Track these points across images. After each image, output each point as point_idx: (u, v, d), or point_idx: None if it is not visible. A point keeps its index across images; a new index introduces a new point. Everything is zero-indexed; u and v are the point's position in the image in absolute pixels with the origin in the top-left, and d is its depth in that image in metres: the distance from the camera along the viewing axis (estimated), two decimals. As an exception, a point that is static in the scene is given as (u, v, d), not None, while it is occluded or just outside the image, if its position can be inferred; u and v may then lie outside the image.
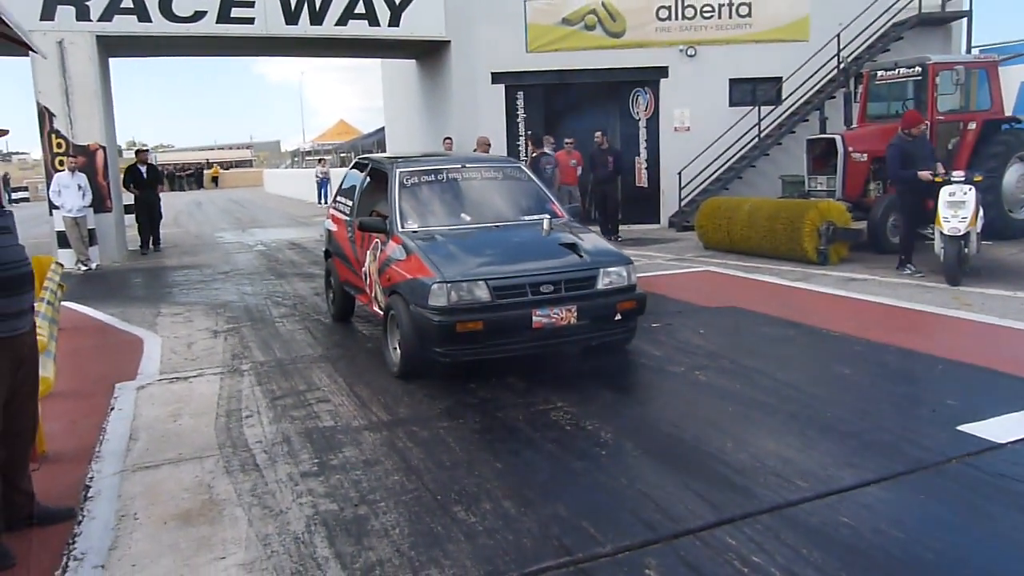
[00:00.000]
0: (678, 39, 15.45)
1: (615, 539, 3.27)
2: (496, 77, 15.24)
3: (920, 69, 11.71)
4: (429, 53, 16.76)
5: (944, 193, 8.61)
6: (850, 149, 11.42)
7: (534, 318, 5.22)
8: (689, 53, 15.41)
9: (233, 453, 4.43)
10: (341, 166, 37.79)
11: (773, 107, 15.21)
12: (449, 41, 15.46)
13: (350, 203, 7.43)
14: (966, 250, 8.64)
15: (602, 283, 5.53)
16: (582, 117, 15.55)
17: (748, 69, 15.46)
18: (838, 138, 11.60)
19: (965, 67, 11.70)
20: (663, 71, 15.54)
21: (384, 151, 24.49)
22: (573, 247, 5.70)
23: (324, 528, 3.48)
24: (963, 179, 8.58)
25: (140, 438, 4.73)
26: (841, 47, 14.62)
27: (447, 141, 14.32)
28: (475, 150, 12.64)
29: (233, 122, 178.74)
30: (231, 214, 27.22)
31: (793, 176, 13.55)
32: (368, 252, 6.46)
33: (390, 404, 5.22)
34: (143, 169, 14.98)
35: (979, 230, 8.87)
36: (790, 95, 15.08)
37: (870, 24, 14.80)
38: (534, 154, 13.22)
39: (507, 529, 3.41)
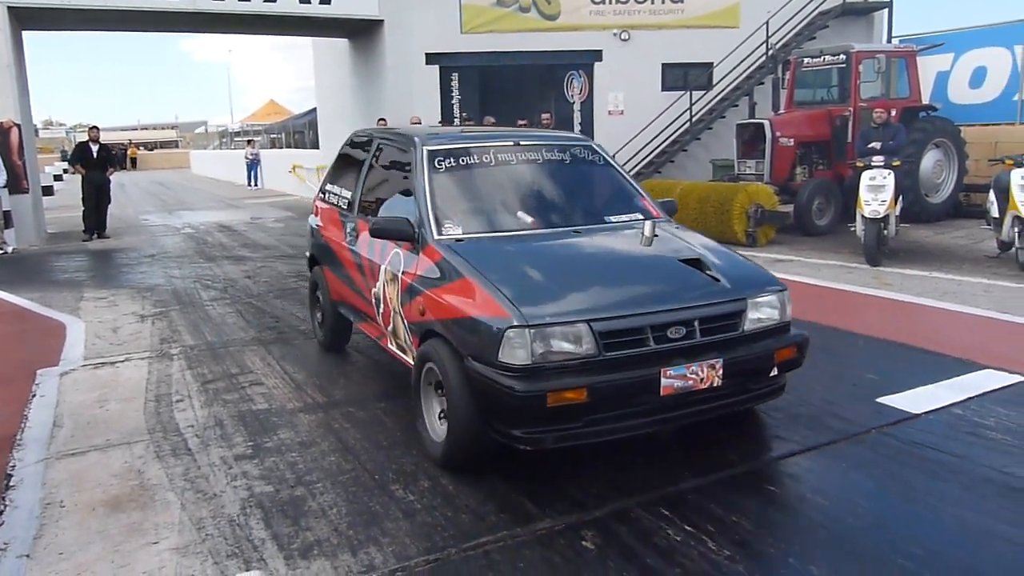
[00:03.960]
0: (612, 23, 15.58)
1: (551, 513, 3.33)
2: (430, 58, 15.14)
3: (844, 57, 12.08)
4: (362, 32, 16.52)
5: (865, 177, 8.94)
6: (778, 134, 11.73)
7: (663, 380, 3.46)
8: (623, 37, 15.57)
9: (164, 438, 4.33)
10: (271, 147, 37.04)
11: (704, 92, 15.50)
12: (382, 20, 15.27)
13: (349, 194, 5.47)
14: (885, 232, 9.00)
15: (751, 321, 3.76)
16: (517, 99, 15.57)
17: (680, 54, 15.71)
18: (766, 123, 11.90)
19: (886, 56, 12.14)
20: (597, 54, 15.66)
21: (316, 133, 24.08)
22: (698, 264, 3.94)
23: (260, 510, 3.45)
24: (882, 164, 8.90)
25: (65, 425, 4.59)
26: (770, 34, 14.97)
27: (381, 122, 14.15)
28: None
29: (158, 101, 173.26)
30: (157, 196, 26.41)
31: (723, 160, 13.86)
32: (383, 267, 4.56)
33: (326, 386, 5.17)
34: (94, 148, 13.72)
35: (898, 213, 9.25)
36: (720, 80, 15.38)
37: (797, 12, 15.19)
38: None
39: (445, 506, 3.43)
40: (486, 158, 4.63)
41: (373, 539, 3.17)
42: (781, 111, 12.87)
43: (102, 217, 14.09)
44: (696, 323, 3.58)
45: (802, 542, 3.08)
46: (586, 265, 3.98)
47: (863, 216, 8.90)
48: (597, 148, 5.07)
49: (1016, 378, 4.81)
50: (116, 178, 15.51)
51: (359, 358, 5.79)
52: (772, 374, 3.88)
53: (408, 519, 3.33)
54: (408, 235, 4.22)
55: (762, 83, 14.74)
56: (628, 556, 3.00)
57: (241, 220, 16.59)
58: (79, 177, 14.00)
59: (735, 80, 15.25)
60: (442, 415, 3.81)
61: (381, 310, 4.67)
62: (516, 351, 3.35)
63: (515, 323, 3.37)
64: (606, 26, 15.57)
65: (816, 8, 15.38)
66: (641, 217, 4.56)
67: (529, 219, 4.38)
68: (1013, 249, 8.45)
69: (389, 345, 4.74)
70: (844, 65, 12.11)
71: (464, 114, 15.04)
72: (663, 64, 15.85)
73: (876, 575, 2.85)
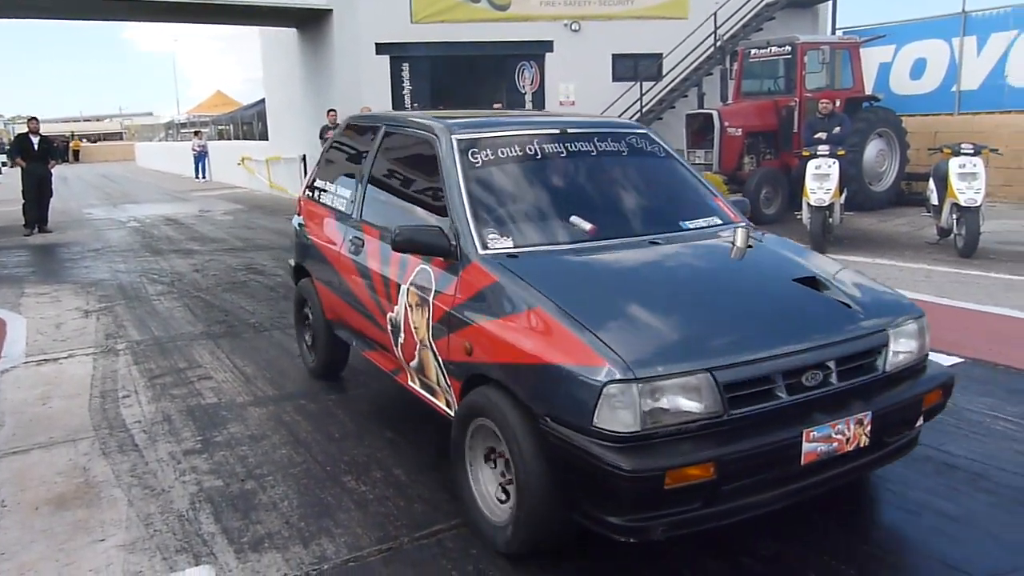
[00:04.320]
0: (563, 14, 15.62)
1: (505, 500, 3.35)
2: (380, 48, 14.99)
3: (790, 48, 12.30)
4: (310, 21, 16.30)
5: (811, 166, 9.13)
6: (726, 124, 11.90)
7: (805, 445, 2.63)
8: (573, 28, 15.61)
9: (110, 434, 4.25)
10: (219, 139, 36.37)
11: (654, 83, 15.64)
12: (331, 10, 15.09)
13: (348, 192, 4.50)
14: (830, 220, 9.21)
15: (891, 358, 2.95)
16: (468, 90, 15.54)
17: (630, 45, 15.82)
18: (715, 113, 12.07)
19: (830, 47, 12.40)
20: (548, 45, 15.69)
21: (265, 124, 23.72)
22: (814, 284, 3.14)
23: (209, 504, 3.41)
24: (827, 153, 9.10)
25: (6, 423, 4.47)
26: (717, 26, 15.15)
27: (331, 113, 14.01)
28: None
29: (101, 92, 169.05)
30: (101, 189, 25.76)
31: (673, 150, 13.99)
32: (404, 287, 3.62)
33: (276, 379, 5.12)
34: (34, 140, 13.24)
35: (843, 201, 9.47)
36: (670, 71, 15.53)
37: (744, 4, 15.40)
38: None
39: (398, 495, 3.44)
40: (530, 149, 3.70)
41: (325, 530, 3.16)
42: (729, 101, 13.06)
43: (43, 211, 13.64)
44: (832, 364, 2.76)
45: (746, 522, 3.14)
46: (682, 288, 3.09)
47: (809, 204, 9.09)
48: (655, 137, 4.19)
49: (953, 359, 4.98)
50: (58, 171, 15.06)
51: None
52: (918, 424, 3.09)
53: (360, 510, 3.32)
54: (443, 248, 3.30)
55: (711, 74, 14.94)
56: (576, 547, 3.03)
57: (189, 213, 16.29)
58: (19, 170, 13.58)
59: (684, 71, 15.41)
60: (503, 491, 2.97)
61: (401, 340, 3.71)
62: (619, 413, 2.47)
63: (618, 375, 2.47)
64: (557, 17, 15.61)
65: (763, 0, 15.61)
66: (719, 221, 3.73)
67: (587, 226, 3.40)
68: (951, 235, 8.71)
69: (411, 383, 3.83)
70: (790, 56, 12.32)
71: (415, 104, 14.95)
72: (613, 55, 15.96)
73: (818, 550, 2.93)
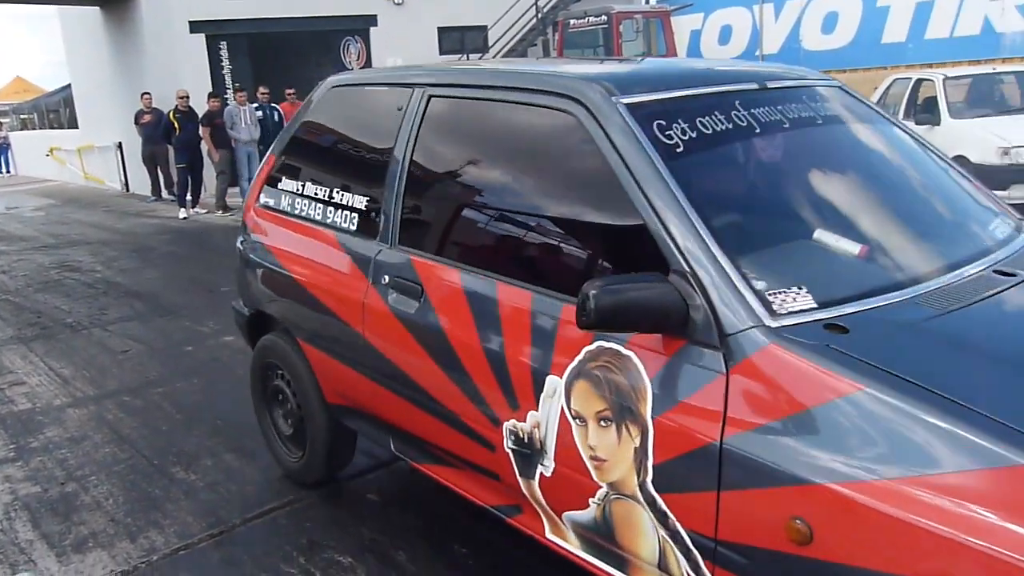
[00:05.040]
0: (384, -13, 15.46)
1: (339, 474, 3.40)
2: (195, 26, 14.25)
3: (605, 18, 12.82)
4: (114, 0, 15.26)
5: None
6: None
7: None
8: (396, 2, 15.48)
9: (-93, 453, 3.95)
10: (22, 129, 33.49)
11: (481, 55, 15.80)
12: (136, -14, 14.19)
13: (361, 202, 2.73)
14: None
15: None
16: (292, 68, 15.08)
17: (455, 18, 15.89)
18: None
19: (643, 16, 13.02)
20: (372, 20, 15.48)
21: (73, 111, 22.05)
22: None
23: (26, 512, 3.26)
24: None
25: None
26: (538, -3, 15.50)
27: (145, 97, 13.26)
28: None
29: None
30: None
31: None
32: (561, 380, 1.94)
33: (97, 378, 4.90)
34: None
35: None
36: (496, 43, 15.74)
37: (563, -25, 15.82)
38: (211, 108, 12.12)
39: (229, 481, 3.42)
40: (739, 118, 2.09)
41: (153, 523, 3.11)
42: (553, 71, 13.44)
43: None
44: None
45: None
46: None
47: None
48: (854, 92, 2.60)
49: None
50: None
51: (133, 344, 5.51)
52: None
53: (190, 499, 3.29)
54: (677, 318, 1.72)
55: (535, 44, 15.30)
56: (411, 504, 3.15)
57: (-10, 211, 15.01)
58: None
59: (509, 42, 15.67)
60: None
61: (544, 471, 2.06)
62: None
63: None
64: (379, -10, 15.43)
65: (580, -30, 16.10)
66: (1014, 224, 2.33)
67: (856, 248, 1.95)
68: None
69: (552, 536, 2.15)
70: (606, 26, 12.84)
71: (237, 84, 14.36)
72: (439, 28, 15.96)
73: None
